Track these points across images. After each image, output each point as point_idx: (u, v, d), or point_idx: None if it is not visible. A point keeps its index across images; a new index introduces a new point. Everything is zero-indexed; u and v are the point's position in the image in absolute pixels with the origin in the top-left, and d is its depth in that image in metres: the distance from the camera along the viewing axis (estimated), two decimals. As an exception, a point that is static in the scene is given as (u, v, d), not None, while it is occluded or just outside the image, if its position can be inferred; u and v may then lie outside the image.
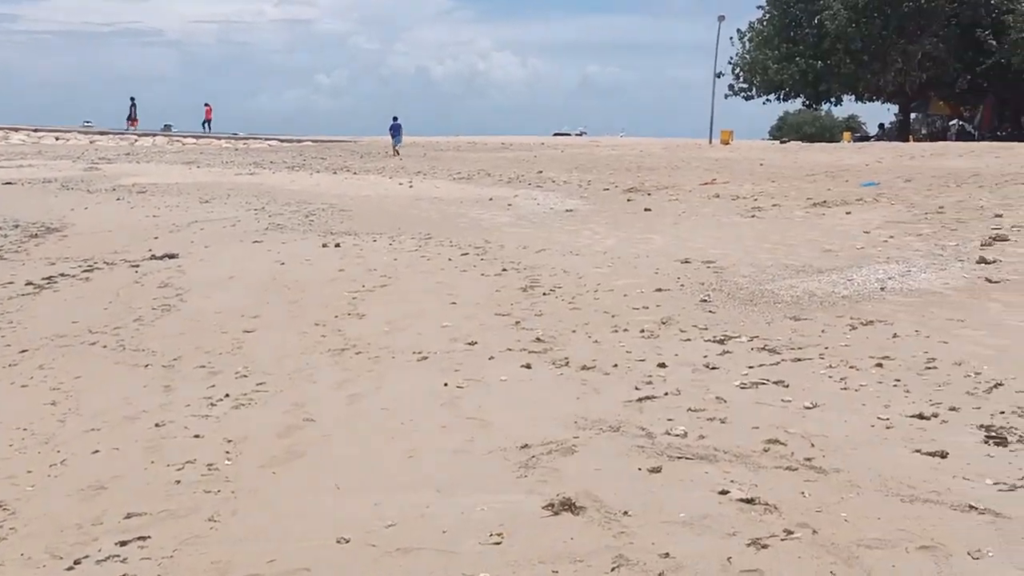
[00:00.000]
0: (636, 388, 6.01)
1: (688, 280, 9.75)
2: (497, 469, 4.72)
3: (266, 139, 46.21)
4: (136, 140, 45.10)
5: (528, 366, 6.73)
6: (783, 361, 6.49)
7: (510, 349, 7.25)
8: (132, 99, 48.29)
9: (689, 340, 7.22)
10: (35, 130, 45.68)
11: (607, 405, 5.69)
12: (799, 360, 6.49)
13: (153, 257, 13.44)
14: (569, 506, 4.07)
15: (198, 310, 9.46)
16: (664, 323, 7.81)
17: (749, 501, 4.06)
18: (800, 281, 9.23)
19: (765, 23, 52.90)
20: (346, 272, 11.62)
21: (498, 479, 4.59)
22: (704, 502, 4.12)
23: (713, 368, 6.40)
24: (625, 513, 4.01)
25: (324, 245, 14.24)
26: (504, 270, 11.32)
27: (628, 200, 19.27)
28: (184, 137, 46.89)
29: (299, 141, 44.57)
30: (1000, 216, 13.06)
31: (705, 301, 8.59)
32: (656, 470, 4.55)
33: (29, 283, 11.41)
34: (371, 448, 5.15)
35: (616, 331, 7.65)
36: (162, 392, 6.62)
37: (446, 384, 6.37)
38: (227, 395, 6.44)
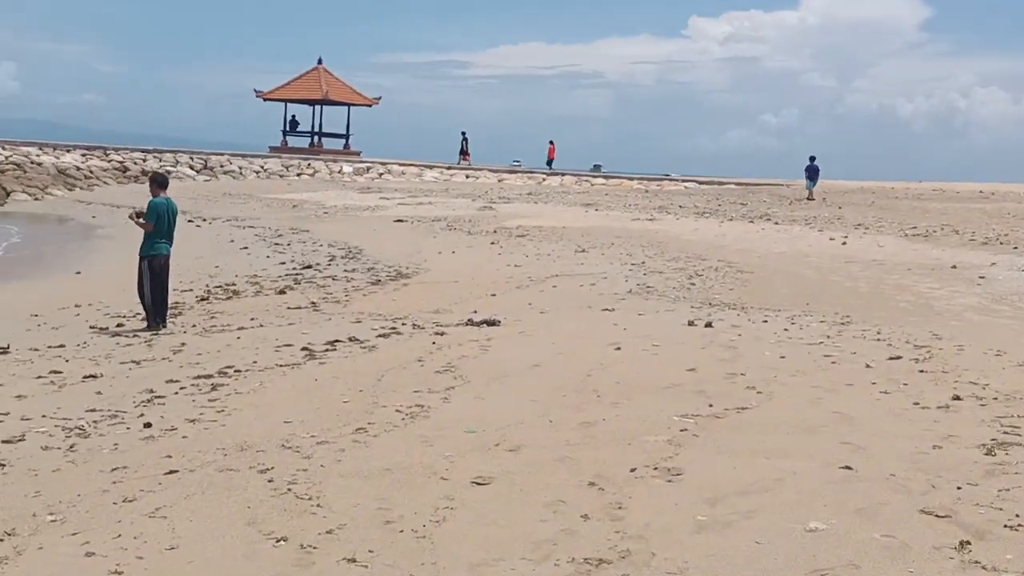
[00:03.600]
0: None
1: None
2: None
3: (682, 180, 43.93)
4: (544, 179, 45.21)
5: None
6: None
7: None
8: (463, 134, 51.37)
9: None
10: (448, 167, 47.81)
11: None
12: None
13: (470, 322, 11.21)
14: None
15: (446, 424, 6.71)
16: None
17: None
18: None
19: None
20: (697, 375, 8.33)
21: None
22: None
23: None
24: None
25: (691, 323, 11.07)
26: (981, 420, 7.29)
27: None
28: (594, 177, 46.24)
29: (720, 183, 41.70)
30: None
31: None
32: None
33: (305, 348, 9.62)
34: None
35: None
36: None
37: None
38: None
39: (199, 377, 8.37)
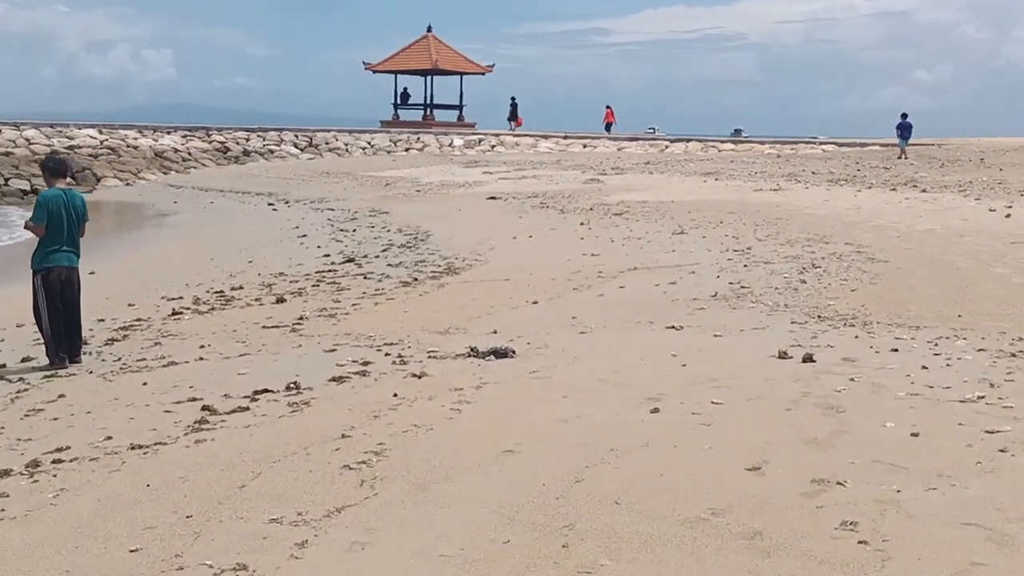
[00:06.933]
0: None
1: None
2: None
3: (820, 144, 39.06)
4: (667, 147, 41.05)
5: None
6: None
7: None
8: (513, 99, 48.85)
9: None
10: (564, 137, 44.25)
11: None
12: None
13: (472, 353, 7.91)
14: None
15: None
16: None
17: None
18: None
19: None
20: (761, 482, 4.85)
21: None
22: None
23: None
24: None
25: (782, 355, 7.50)
26: None
27: None
28: (722, 143, 41.85)
29: (862, 145, 36.71)
30: None
31: None
32: None
33: (206, 408, 6.53)
34: None
35: None
36: None
37: None
38: None
39: (-18, 478, 5.36)
